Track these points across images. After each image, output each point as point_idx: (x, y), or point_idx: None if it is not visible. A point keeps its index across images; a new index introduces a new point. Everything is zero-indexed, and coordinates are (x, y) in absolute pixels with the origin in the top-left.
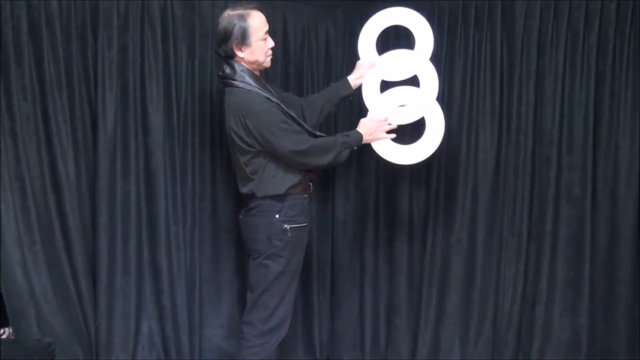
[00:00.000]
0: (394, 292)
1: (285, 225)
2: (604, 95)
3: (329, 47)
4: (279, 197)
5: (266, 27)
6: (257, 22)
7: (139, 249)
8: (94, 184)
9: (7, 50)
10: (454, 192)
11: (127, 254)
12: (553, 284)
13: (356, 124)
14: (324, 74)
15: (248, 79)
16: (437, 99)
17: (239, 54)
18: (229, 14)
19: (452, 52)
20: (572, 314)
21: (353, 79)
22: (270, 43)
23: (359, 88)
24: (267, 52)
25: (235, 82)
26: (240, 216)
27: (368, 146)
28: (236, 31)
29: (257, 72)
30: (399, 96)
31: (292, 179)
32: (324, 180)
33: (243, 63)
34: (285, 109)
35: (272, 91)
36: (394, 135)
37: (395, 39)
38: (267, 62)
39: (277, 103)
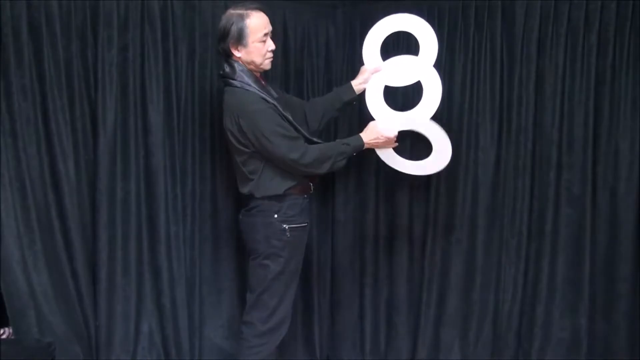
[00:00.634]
0: (394, 292)
1: (284, 225)
2: (604, 95)
3: (329, 47)
4: (278, 197)
5: (266, 30)
6: (256, 23)
7: (139, 249)
8: (94, 184)
9: (7, 50)
10: (454, 192)
11: (127, 254)
12: (553, 284)
13: (356, 128)
14: (324, 74)
15: (247, 79)
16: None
17: (236, 53)
18: (230, 12)
19: (452, 52)
20: (572, 314)
21: (357, 84)
22: (270, 46)
23: (362, 93)
24: (264, 54)
25: (234, 82)
26: (240, 216)
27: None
28: (233, 30)
29: (256, 73)
30: (413, 118)
31: (291, 180)
32: (324, 180)
33: (242, 63)
34: (282, 112)
35: (272, 93)
36: (396, 144)
37: (395, 44)
38: (266, 65)
39: (274, 105)
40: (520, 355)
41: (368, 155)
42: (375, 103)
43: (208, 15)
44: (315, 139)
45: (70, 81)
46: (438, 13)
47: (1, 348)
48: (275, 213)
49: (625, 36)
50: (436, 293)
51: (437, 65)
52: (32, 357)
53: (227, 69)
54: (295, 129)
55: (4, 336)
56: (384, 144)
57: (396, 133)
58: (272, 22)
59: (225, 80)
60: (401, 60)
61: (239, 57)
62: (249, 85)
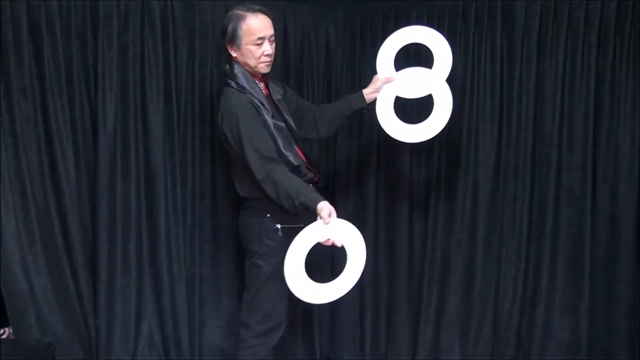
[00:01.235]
0: (394, 292)
1: (277, 225)
2: (604, 95)
3: (329, 47)
4: (270, 197)
5: (262, 33)
6: (252, 25)
7: (139, 249)
8: (94, 184)
9: (7, 51)
10: (454, 192)
11: (127, 254)
12: (553, 284)
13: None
14: (323, 74)
15: (242, 80)
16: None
17: (232, 53)
18: (232, 12)
19: (452, 52)
20: (572, 314)
21: (368, 93)
22: (267, 50)
23: (373, 102)
24: (259, 58)
25: (230, 82)
26: (239, 215)
27: (369, 146)
28: (230, 30)
29: (255, 75)
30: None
31: None
32: (324, 180)
33: (240, 63)
34: (266, 117)
35: (274, 96)
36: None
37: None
38: (260, 68)
39: (261, 111)
40: (520, 355)
41: (368, 155)
42: (385, 114)
43: (208, 15)
44: (290, 157)
45: (70, 81)
46: (438, 13)
47: (1, 348)
48: (269, 212)
49: (625, 36)
50: (436, 293)
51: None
52: (32, 357)
53: (227, 68)
54: (273, 140)
55: (4, 336)
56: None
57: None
58: (272, 22)
59: (225, 79)
60: (415, 72)
61: (236, 57)
62: (244, 87)
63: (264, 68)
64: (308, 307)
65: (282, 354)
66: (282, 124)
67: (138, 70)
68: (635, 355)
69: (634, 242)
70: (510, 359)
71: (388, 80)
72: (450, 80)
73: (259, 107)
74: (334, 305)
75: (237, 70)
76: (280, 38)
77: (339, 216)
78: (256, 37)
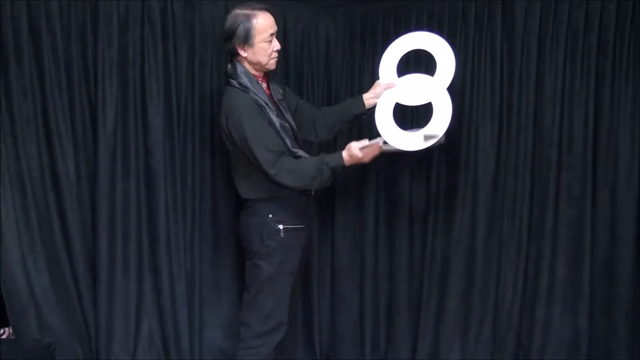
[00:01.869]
0: (394, 292)
1: (279, 226)
2: (604, 95)
3: (329, 47)
4: (272, 198)
5: (272, 30)
6: (262, 23)
7: (139, 249)
8: (94, 183)
9: (7, 50)
10: (454, 192)
11: (127, 254)
12: (553, 284)
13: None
14: (323, 74)
15: (245, 80)
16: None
17: (242, 53)
18: (236, 12)
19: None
20: (572, 314)
21: (368, 97)
22: (276, 45)
23: (373, 107)
24: (270, 54)
25: (233, 82)
26: (240, 215)
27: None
28: (240, 30)
29: (259, 74)
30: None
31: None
32: None
33: (245, 63)
34: (272, 117)
35: (275, 96)
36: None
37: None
38: (271, 64)
39: (265, 110)
40: (520, 355)
41: None
42: (384, 120)
43: (208, 15)
44: (299, 153)
45: (70, 81)
46: (438, 13)
47: (1, 348)
48: (270, 213)
49: (625, 36)
50: (436, 293)
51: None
52: (32, 357)
53: (230, 69)
54: (281, 138)
55: (4, 336)
56: (363, 160)
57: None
58: None
59: (227, 79)
60: (416, 79)
61: (245, 57)
62: (247, 87)
63: (274, 64)
64: (308, 307)
65: (282, 354)
66: (286, 124)
67: (138, 70)
68: (635, 355)
69: (634, 242)
70: (510, 359)
71: (389, 86)
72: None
73: (264, 106)
74: (334, 305)
75: (239, 70)
76: (281, 38)
77: (339, 215)
78: (268, 34)
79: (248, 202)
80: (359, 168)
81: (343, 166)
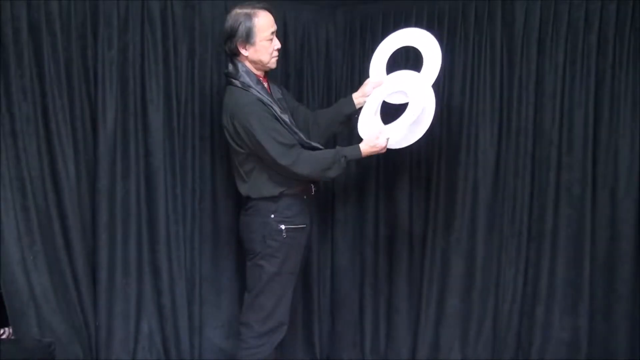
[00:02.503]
0: (394, 292)
1: (281, 226)
2: (604, 95)
3: (329, 47)
4: (274, 198)
5: (273, 28)
6: (263, 21)
7: (139, 249)
8: (94, 184)
9: (7, 50)
10: (454, 192)
11: (127, 254)
12: (553, 284)
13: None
14: (323, 74)
15: (248, 79)
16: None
17: (244, 52)
18: (237, 12)
19: (452, 52)
20: (572, 314)
21: (357, 97)
22: (277, 44)
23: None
24: (272, 53)
25: (235, 81)
26: (240, 216)
27: None
28: (241, 29)
29: (260, 73)
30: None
31: (286, 182)
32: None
33: (247, 63)
34: (279, 115)
35: (276, 94)
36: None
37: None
38: (272, 63)
39: (270, 107)
40: (520, 355)
41: (368, 156)
42: (366, 118)
43: (208, 15)
44: (314, 144)
45: (70, 81)
46: (438, 13)
47: (1, 348)
48: (272, 213)
49: (625, 36)
50: (436, 293)
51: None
52: (32, 357)
53: (231, 69)
54: (292, 132)
55: (4, 336)
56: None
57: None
58: None
59: (228, 79)
60: (402, 76)
61: (246, 57)
62: (250, 86)
63: (274, 63)
64: (308, 307)
65: (282, 353)
66: (289, 122)
67: (138, 70)
68: (635, 355)
69: (634, 242)
70: (510, 359)
71: (377, 84)
72: (450, 80)
73: (268, 104)
74: (334, 305)
75: (241, 69)
76: (281, 38)
77: (339, 215)
78: (269, 32)
79: (249, 202)
80: (359, 168)
81: (358, 158)
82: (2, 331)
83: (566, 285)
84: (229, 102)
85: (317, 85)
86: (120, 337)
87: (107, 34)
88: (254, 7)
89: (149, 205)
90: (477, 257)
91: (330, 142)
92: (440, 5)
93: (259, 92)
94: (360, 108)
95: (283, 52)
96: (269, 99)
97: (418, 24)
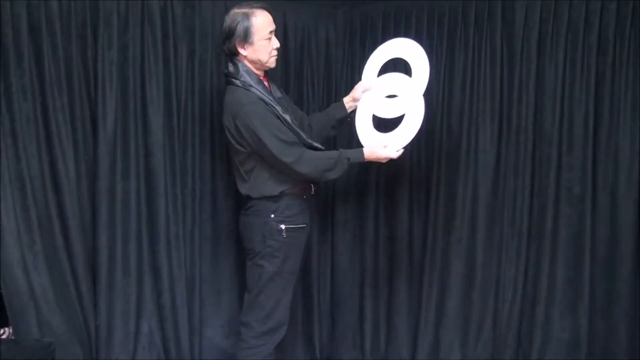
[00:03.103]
0: (394, 292)
1: (281, 226)
2: (604, 95)
3: (329, 47)
4: (275, 198)
5: (271, 27)
6: (261, 21)
7: (139, 249)
8: (94, 184)
9: (7, 50)
10: (454, 192)
11: (127, 254)
12: (553, 284)
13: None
14: (323, 74)
15: (249, 79)
16: (437, 99)
17: (242, 51)
18: (235, 11)
19: (452, 52)
20: (572, 314)
21: (348, 101)
22: (275, 43)
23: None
24: (270, 52)
25: (236, 81)
26: (240, 216)
27: None
28: (239, 29)
29: (260, 73)
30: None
31: (287, 181)
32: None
33: (246, 62)
34: (281, 114)
35: (276, 93)
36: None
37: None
38: (271, 62)
39: (273, 106)
40: (520, 355)
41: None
42: (364, 128)
43: (208, 15)
44: (316, 144)
45: (70, 81)
46: (438, 13)
47: (1, 348)
48: (272, 213)
49: (625, 36)
50: (436, 293)
51: (437, 65)
52: (32, 357)
53: (231, 68)
54: (294, 132)
55: (4, 336)
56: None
57: (399, 153)
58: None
59: (228, 79)
60: (392, 80)
61: (245, 56)
62: (251, 85)
63: (273, 62)
64: (308, 307)
65: (282, 354)
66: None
67: (138, 70)
68: (635, 355)
69: (634, 242)
70: (510, 359)
71: (366, 89)
72: (450, 81)
73: (270, 103)
74: (334, 305)
75: (242, 69)
76: (281, 38)
77: (339, 215)
78: (267, 32)
79: (249, 201)
80: (359, 168)
81: (362, 162)
82: (2, 331)
83: (566, 285)
84: (230, 102)
85: (317, 85)
86: (120, 337)
87: (107, 34)
88: (252, 7)
89: (149, 205)
90: (477, 257)
91: (331, 144)
92: (440, 5)
93: (260, 92)
94: (352, 112)
95: (283, 52)
96: (270, 98)
97: (418, 23)
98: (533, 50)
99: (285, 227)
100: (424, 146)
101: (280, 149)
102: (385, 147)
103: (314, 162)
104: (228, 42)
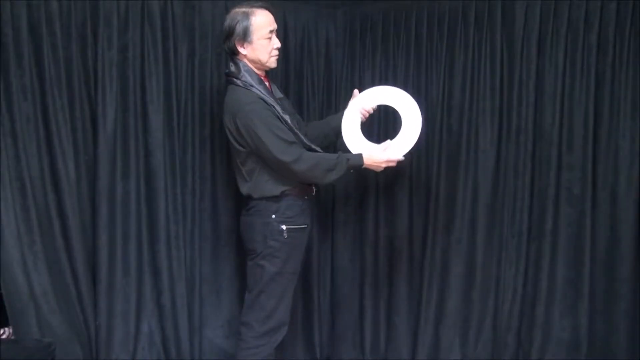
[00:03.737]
0: (394, 292)
1: (282, 226)
2: (604, 95)
3: (329, 47)
4: (276, 198)
5: (271, 27)
6: (260, 20)
7: (139, 249)
8: (94, 184)
9: (7, 50)
10: (454, 192)
11: (127, 254)
12: (553, 284)
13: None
14: (323, 75)
15: (249, 78)
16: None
17: (242, 50)
18: (235, 11)
19: (452, 52)
20: (572, 314)
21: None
22: (276, 43)
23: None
24: (270, 52)
25: (237, 81)
26: (241, 216)
27: None
28: (239, 28)
29: (261, 73)
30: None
31: (288, 182)
32: None
33: (247, 62)
34: (281, 114)
35: (276, 93)
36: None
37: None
38: (271, 62)
39: (273, 107)
40: (520, 355)
41: None
42: (350, 133)
43: (208, 15)
44: (314, 147)
45: (70, 81)
46: (438, 13)
47: (1, 348)
48: (273, 213)
49: (625, 36)
50: (436, 293)
51: (437, 65)
52: (32, 357)
53: (232, 68)
54: (294, 133)
55: (4, 336)
56: (383, 168)
57: (399, 159)
58: None
59: (229, 78)
60: (384, 92)
61: (245, 55)
62: (252, 85)
63: (274, 62)
64: (308, 307)
65: (282, 354)
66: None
67: (138, 70)
68: (635, 355)
69: (634, 242)
70: (510, 359)
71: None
72: (450, 80)
73: (270, 103)
74: (334, 305)
75: (243, 68)
76: (281, 38)
77: (339, 215)
78: (268, 31)
79: (250, 202)
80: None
81: (359, 167)
82: (2, 331)
83: (566, 285)
84: (230, 101)
85: (317, 85)
86: (120, 337)
87: (107, 34)
88: (252, 6)
89: (149, 205)
90: (477, 257)
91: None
92: (440, 5)
93: (260, 92)
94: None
95: (283, 52)
96: (271, 98)
97: (418, 24)
98: (533, 50)
99: (287, 228)
100: (423, 146)
101: (280, 148)
102: (384, 150)
103: (314, 162)
104: (228, 41)
